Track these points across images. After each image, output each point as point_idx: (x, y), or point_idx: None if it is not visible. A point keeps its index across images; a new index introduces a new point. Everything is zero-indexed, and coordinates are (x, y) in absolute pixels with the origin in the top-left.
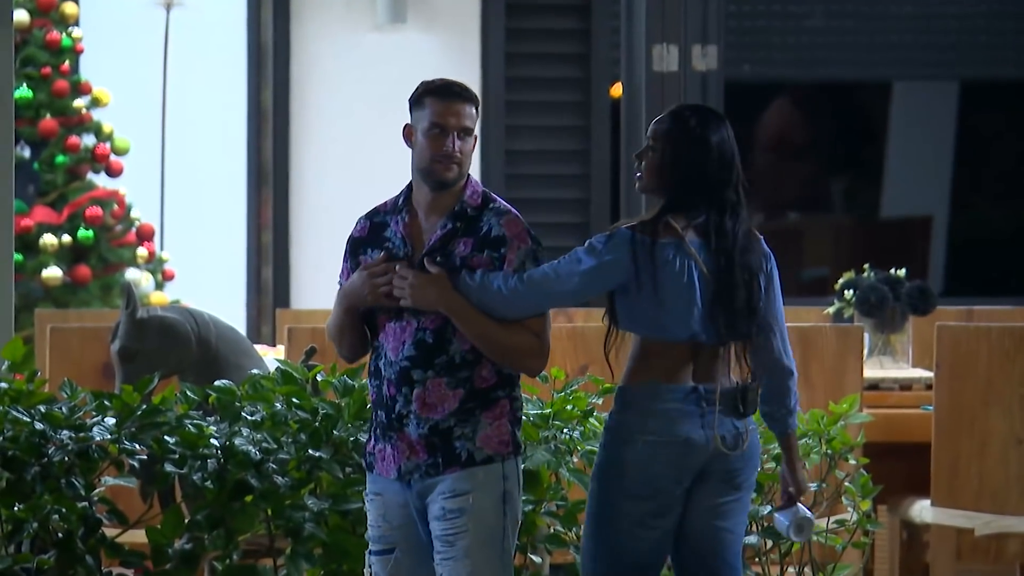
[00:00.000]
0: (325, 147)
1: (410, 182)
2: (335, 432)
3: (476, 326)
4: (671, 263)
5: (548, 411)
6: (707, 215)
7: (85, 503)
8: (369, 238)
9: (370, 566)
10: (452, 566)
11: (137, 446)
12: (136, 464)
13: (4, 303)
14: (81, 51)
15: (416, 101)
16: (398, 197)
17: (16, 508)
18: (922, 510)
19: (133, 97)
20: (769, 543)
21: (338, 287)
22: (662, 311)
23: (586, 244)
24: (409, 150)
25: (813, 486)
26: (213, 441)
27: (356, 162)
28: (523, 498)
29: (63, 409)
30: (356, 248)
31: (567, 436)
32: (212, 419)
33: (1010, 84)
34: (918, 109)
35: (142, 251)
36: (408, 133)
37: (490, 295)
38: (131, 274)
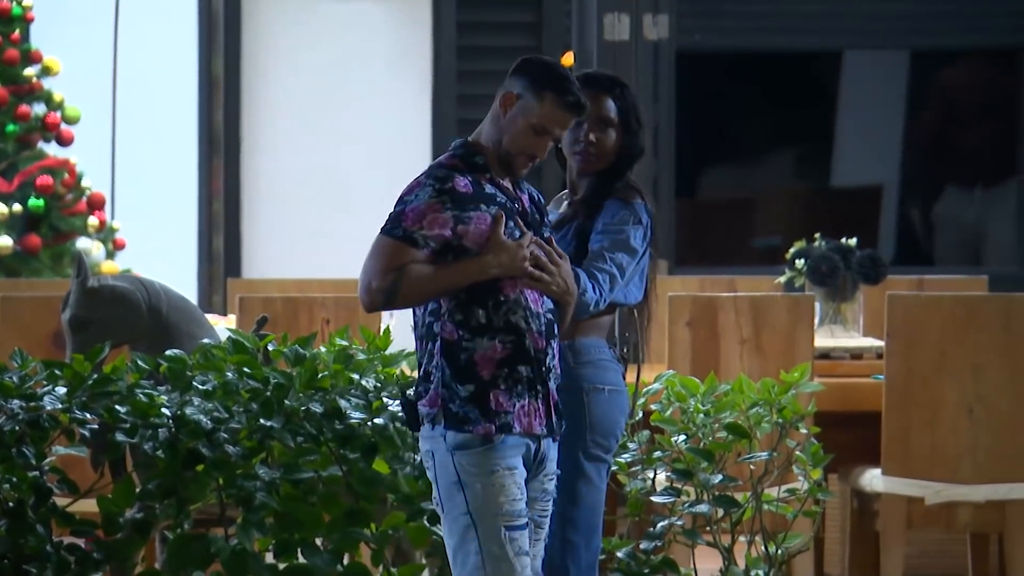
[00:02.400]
0: (276, 116)
1: (469, 141)
2: (286, 401)
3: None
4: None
5: None
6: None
7: (36, 472)
8: (476, 194)
9: (507, 544)
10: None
11: (88, 415)
12: (87, 433)
13: None
14: (31, 20)
15: (536, 84)
16: (466, 156)
17: None
18: (873, 479)
19: (84, 66)
20: (720, 512)
21: (441, 241)
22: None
23: (624, 230)
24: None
25: (764, 455)
26: (164, 410)
27: (307, 131)
28: None
29: (14, 378)
30: (466, 204)
31: None
32: (163, 388)
33: (961, 53)
34: (869, 78)
35: (93, 220)
36: (509, 102)
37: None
38: (82, 243)
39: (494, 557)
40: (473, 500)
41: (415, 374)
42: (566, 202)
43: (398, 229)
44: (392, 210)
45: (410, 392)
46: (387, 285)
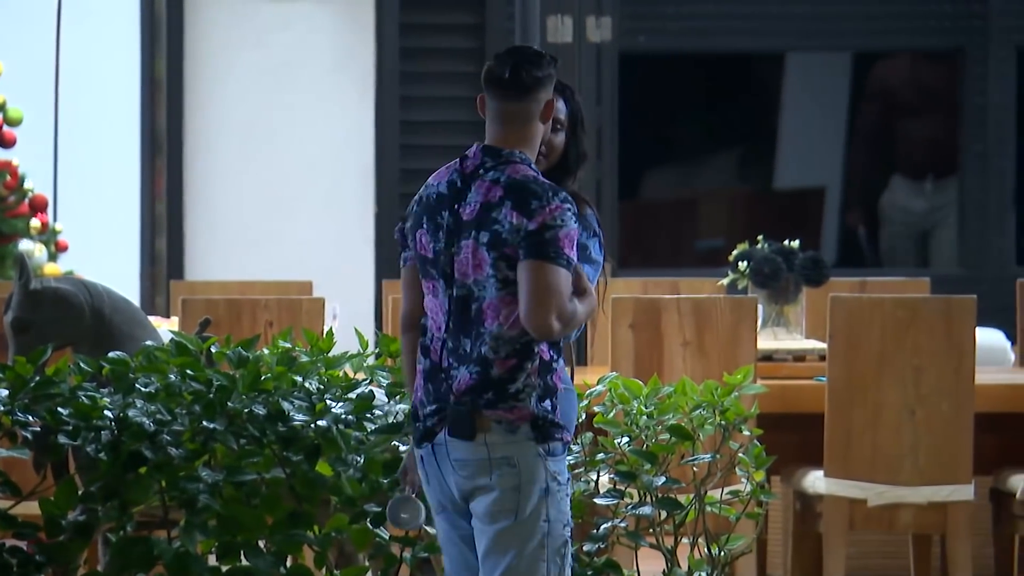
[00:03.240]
0: (219, 117)
1: (524, 153)
2: (229, 403)
3: None
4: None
5: None
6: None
7: None
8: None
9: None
10: None
11: (30, 417)
12: (29, 436)
13: None
14: None
15: (551, 83)
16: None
17: None
18: (815, 481)
19: (25, 67)
20: (663, 514)
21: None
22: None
23: (586, 245)
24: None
25: (707, 457)
26: (107, 413)
27: (250, 132)
28: None
29: None
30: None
31: None
32: (106, 391)
33: (902, 55)
34: (811, 80)
35: (35, 222)
36: (550, 109)
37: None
38: (24, 245)
39: (556, 565)
40: (554, 507)
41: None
42: None
43: (563, 259)
44: (539, 234)
45: (466, 396)
46: (572, 316)
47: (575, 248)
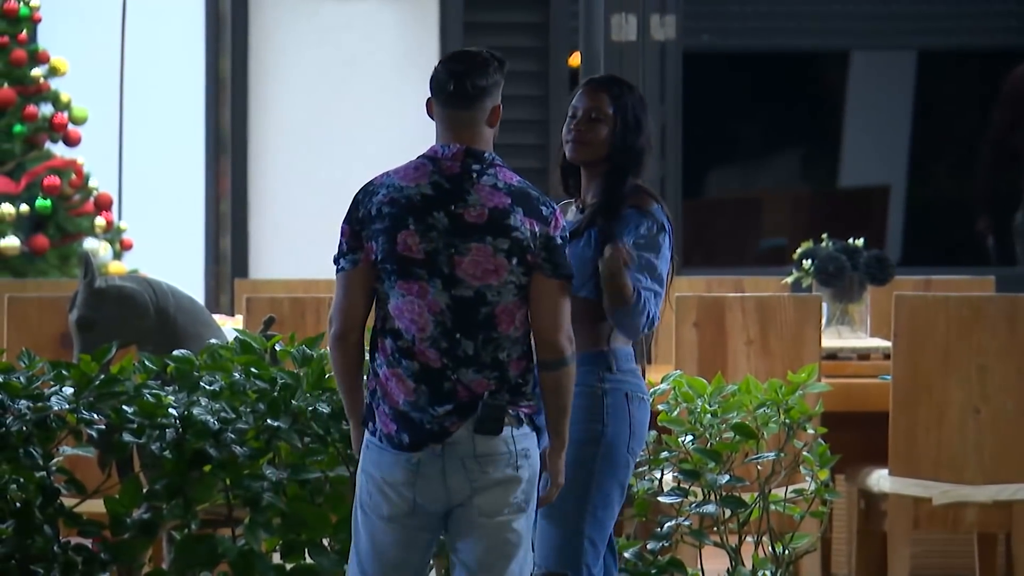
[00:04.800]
0: (283, 116)
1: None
2: (293, 402)
3: None
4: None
5: None
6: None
7: (43, 473)
8: None
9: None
10: None
11: (95, 416)
12: (94, 434)
13: None
14: (39, 20)
15: (499, 88)
16: None
17: None
18: (880, 479)
19: (91, 66)
20: (727, 512)
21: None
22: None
23: (657, 241)
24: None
25: (771, 455)
26: (171, 411)
27: (314, 131)
28: None
29: (21, 379)
30: None
31: None
32: (170, 389)
33: (967, 54)
34: (876, 78)
35: (100, 220)
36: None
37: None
38: (89, 244)
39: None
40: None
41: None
42: (574, 207)
43: (571, 277)
44: (560, 251)
45: (492, 397)
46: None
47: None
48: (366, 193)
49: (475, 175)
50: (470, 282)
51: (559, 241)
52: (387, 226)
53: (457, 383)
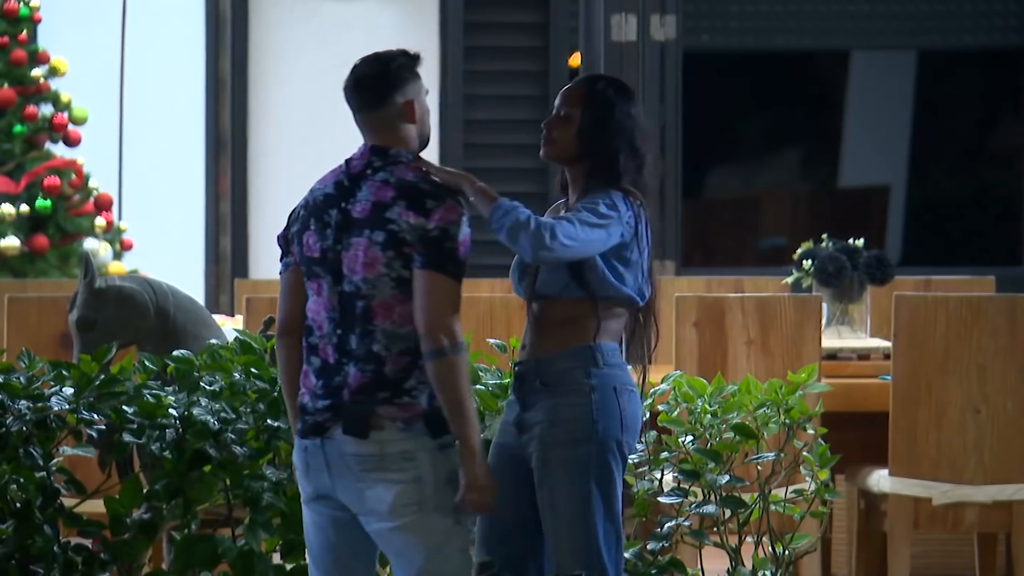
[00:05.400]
0: (283, 116)
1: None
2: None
3: None
4: (646, 228)
5: (507, 381)
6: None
7: (43, 473)
8: None
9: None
10: None
11: (95, 416)
12: (94, 434)
13: None
14: (39, 20)
15: (404, 84)
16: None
17: None
18: (880, 479)
19: (91, 66)
20: (727, 513)
21: None
22: (640, 275)
23: (595, 202)
24: None
25: (771, 455)
26: (171, 411)
27: (314, 131)
28: None
29: (21, 379)
30: None
31: None
32: (170, 389)
33: (968, 53)
34: (876, 78)
35: (100, 221)
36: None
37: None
38: (89, 244)
39: (470, 553)
40: (459, 495)
41: None
42: (563, 210)
43: (459, 271)
44: (439, 242)
45: (363, 395)
46: (458, 333)
47: (468, 250)
48: (302, 199)
49: (371, 172)
50: (351, 276)
51: (436, 233)
52: (298, 229)
53: (344, 379)
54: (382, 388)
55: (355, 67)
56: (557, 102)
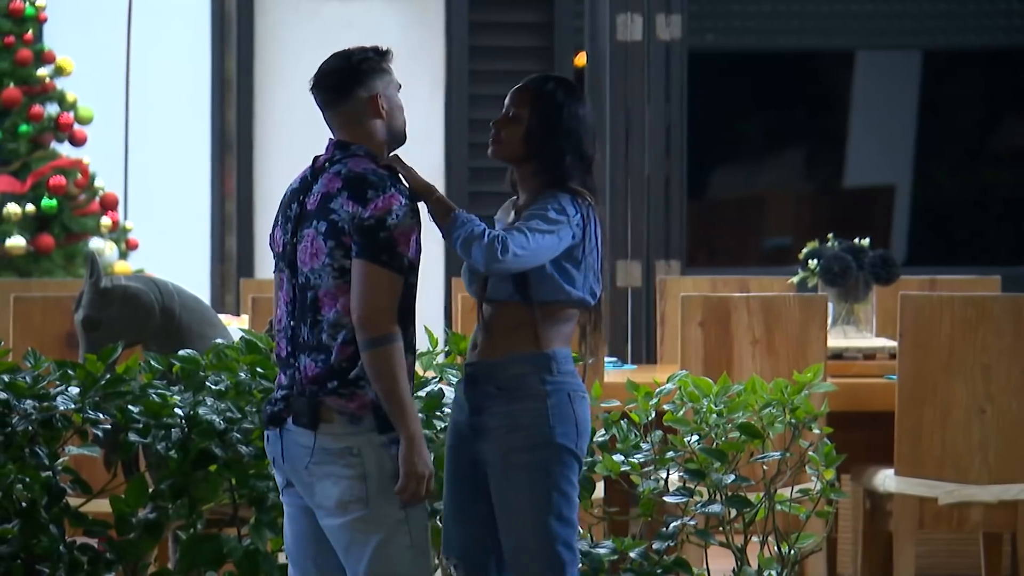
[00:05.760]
0: (288, 116)
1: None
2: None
3: None
4: (595, 227)
5: None
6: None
7: (49, 472)
8: None
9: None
10: None
11: (101, 415)
12: (100, 433)
13: None
14: (44, 20)
15: (366, 79)
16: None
17: None
18: (885, 479)
19: (97, 66)
20: (733, 512)
21: None
22: (590, 274)
23: (544, 207)
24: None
25: (776, 455)
26: (177, 410)
27: (319, 131)
28: None
29: (26, 378)
30: None
31: None
32: (176, 388)
33: (972, 53)
34: (881, 78)
35: (106, 220)
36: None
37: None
38: (95, 243)
39: (422, 549)
40: (398, 486)
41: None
42: (512, 209)
43: (396, 261)
44: (374, 232)
45: (307, 391)
46: (391, 322)
47: (412, 243)
48: None
49: (329, 165)
50: (303, 268)
51: (371, 222)
52: (272, 226)
53: (297, 370)
54: (331, 378)
55: (320, 64)
56: (507, 101)
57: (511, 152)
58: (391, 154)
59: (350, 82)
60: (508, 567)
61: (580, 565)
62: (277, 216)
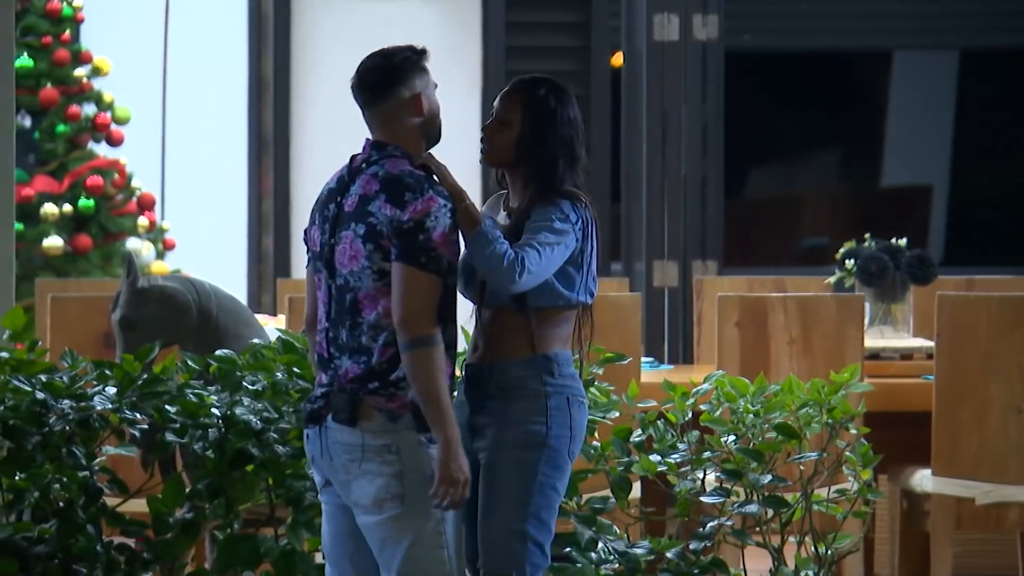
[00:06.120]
0: (325, 115)
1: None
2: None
3: None
4: (594, 228)
5: None
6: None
7: (86, 472)
8: None
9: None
10: None
11: (138, 415)
12: (137, 433)
13: (5, 273)
14: (82, 20)
15: (408, 78)
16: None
17: (17, 477)
18: (923, 479)
19: (134, 66)
20: (770, 512)
21: None
22: (589, 276)
23: (548, 218)
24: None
25: (813, 455)
26: (214, 410)
27: (356, 130)
28: None
29: (64, 378)
30: None
31: None
32: (213, 388)
33: (1010, 53)
34: (918, 78)
35: (143, 220)
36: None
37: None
38: (132, 243)
39: (457, 551)
40: (432, 489)
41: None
42: (503, 210)
43: (435, 263)
44: (413, 235)
45: (352, 384)
46: (431, 324)
47: (451, 244)
48: None
49: (367, 166)
50: (341, 270)
51: (410, 225)
52: (309, 225)
53: (337, 370)
54: (372, 379)
55: (360, 63)
56: (496, 105)
57: (503, 158)
58: (425, 152)
59: (391, 81)
60: (482, 562)
61: (616, 565)
62: (313, 214)
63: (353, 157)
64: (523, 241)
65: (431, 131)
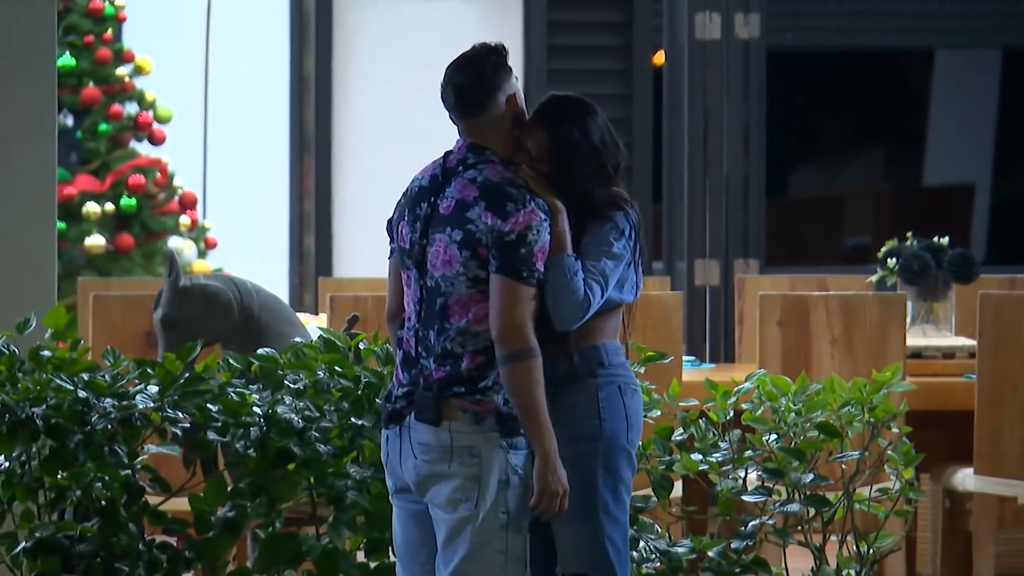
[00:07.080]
0: (367, 115)
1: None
2: (377, 400)
3: None
4: (638, 230)
5: None
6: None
7: (128, 471)
8: None
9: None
10: None
11: (180, 414)
12: (179, 432)
13: (47, 271)
14: (124, 19)
15: (503, 82)
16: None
17: (59, 476)
18: (965, 478)
19: (176, 65)
20: (811, 511)
21: None
22: (638, 275)
23: (607, 240)
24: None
25: (855, 454)
26: (256, 409)
27: (398, 129)
28: None
29: (106, 377)
30: None
31: None
32: (255, 387)
33: None
34: (960, 77)
35: (185, 219)
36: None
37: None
38: (174, 242)
39: (516, 558)
40: (514, 500)
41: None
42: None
43: (534, 277)
44: (515, 247)
45: (438, 386)
46: (529, 337)
47: (547, 257)
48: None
49: (463, 169)
50: (432, 272)
51: (512, 238)
52: (396, 217)
53: (422, 371)
54: (458, 384)
55: (450, 75)
56: (527, 142)
57: (542, 188)
58: (522, 167)
59: (490, 90)
60: (559, 564)
61: (658, 564)
62: (403, 210)
63: (447, 155)
64: (587, 269)
65: (521, 121)
